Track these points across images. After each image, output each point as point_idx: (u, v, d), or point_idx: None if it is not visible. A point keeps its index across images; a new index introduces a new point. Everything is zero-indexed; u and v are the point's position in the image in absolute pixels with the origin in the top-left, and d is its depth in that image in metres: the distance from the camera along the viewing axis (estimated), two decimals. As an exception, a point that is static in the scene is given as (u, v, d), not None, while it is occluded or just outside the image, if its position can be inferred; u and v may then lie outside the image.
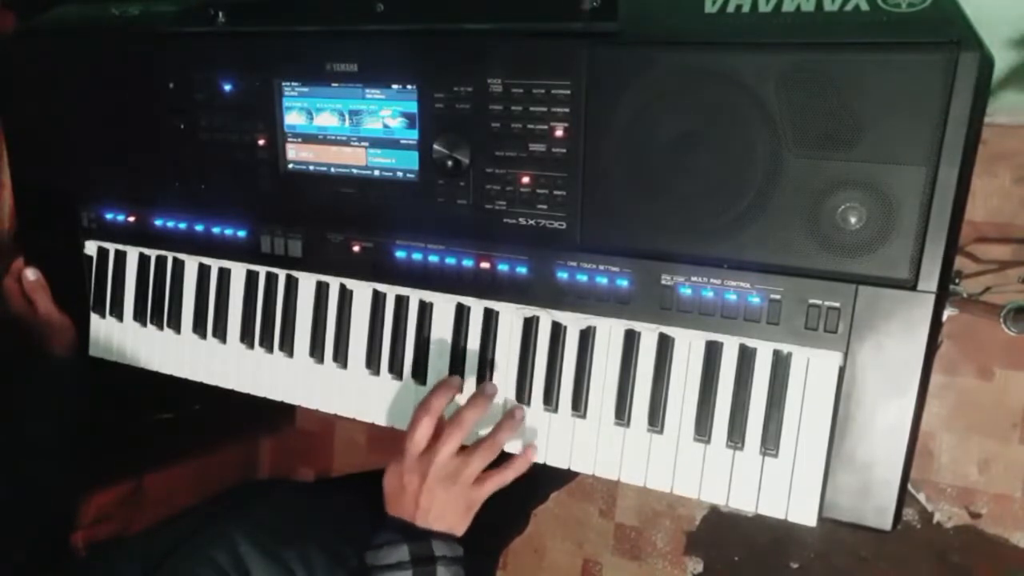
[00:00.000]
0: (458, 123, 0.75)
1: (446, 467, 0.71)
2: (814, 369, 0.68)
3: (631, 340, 0.74)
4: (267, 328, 0.91)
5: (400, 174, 0.80)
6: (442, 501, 0.71)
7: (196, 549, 0.72)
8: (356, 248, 0.84)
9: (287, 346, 0.90)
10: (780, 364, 0.69)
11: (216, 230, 0.91)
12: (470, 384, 0.81)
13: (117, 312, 1.00)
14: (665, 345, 0.73)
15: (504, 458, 0.76)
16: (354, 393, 0.87)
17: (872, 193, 0.63)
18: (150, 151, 0.91)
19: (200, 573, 0.69)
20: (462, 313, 0.81)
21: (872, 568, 1.63)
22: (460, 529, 0.73)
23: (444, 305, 0.82)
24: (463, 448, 0.74)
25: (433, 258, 0.80)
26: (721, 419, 0.72)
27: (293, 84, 0.82)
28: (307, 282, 0.88)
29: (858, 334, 0.66)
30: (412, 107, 0.77)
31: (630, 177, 0.70)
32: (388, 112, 0.79)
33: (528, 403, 0.79)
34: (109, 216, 0.97)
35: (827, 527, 0.69)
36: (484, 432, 0.76)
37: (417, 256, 0.81)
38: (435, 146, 0.76)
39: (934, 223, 0.62)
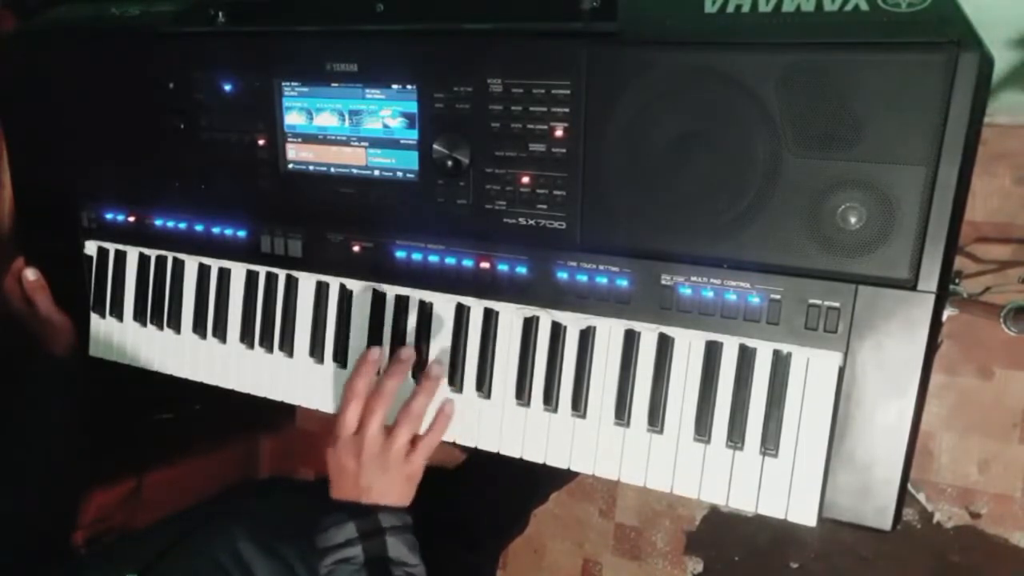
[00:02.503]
0: (458, 123, 0.75)
1: (375, 443, 0.72)
2: (814, 369, 0.68)
3: (631, 340, 0.74)
4: (267, 328, 0.91)
5: (400, 174, 0.80)
6: (380, 478, 0.72)
7: (195, 545, 0.72)
8: (356, 248, 0.84)
9: (287, 346, 0.90)
10: (780, 364, 0.69)
11: (216, 230, 0.91)
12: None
13: (117, 312, 1.00)
14: (665, 345, 0.73)
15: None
16: (354, 393, 0.87)
17: (872, 193, 0.63)
18: (150, 151, 0.91)
19: (200, 568, 0.69)
20: (462, 313, 0.81)
21: (872, 568, 1.63)
22: (406, 501, 0.74)
23: (444, 305, 0.82)
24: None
25: (433, 258, 0.80)
26: (721, 419, 0.72)
27: (293, 84, 0.82)
28: (307, 282, 0.88)
29: (858, 334, 0.66)
30: (412, 107, 0.77)
31: (630, 177, 0.70)
32: (388, 112, 0.79)
33: (528, 403, 0.79)
34: (109, 216, 0.97)
35: (827, 527, 0.69)
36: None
37: (417, 256, 0.81)
38: (435, 146, 0.76)
39: (934, 223, 0.62)
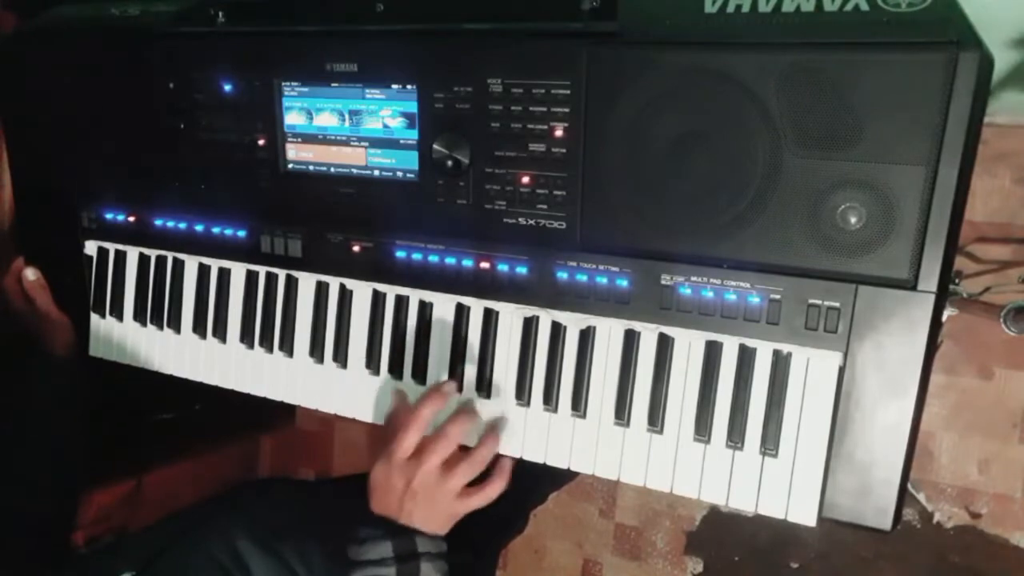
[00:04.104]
0: (458, 123, 0.75)
1: (430, 477, 0.72)
2: (814, 369, 0.68)
3: (631, 340, 0.74)
4: (267, 328, 0.91)
5: (400, 174, 0.80)
6: (424, 508, 0.72)
7: (194, 545, 0.72)
8: (356, 248, 0.84)
9: (287, 346, 0.90)
10: (780, 364, 0.69)
11: (216, 230, 0.91)
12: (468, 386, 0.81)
13: (117, 312, 1.00)
14: (665, 345, 0.73)
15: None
16: (354, 393, 0.87)
17: (872, 193, 0.63)
18: (150, 151, 0.91)
19: (198, 568, 0.69)
20: (462, 313, 0.81)
21: (872, 568, 1.63)
22: (442, 532, 0.74)
23: (444, 305, 0.82)
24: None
25: (433, 258, 0.80)
26: (721, 419, 0.72)
27: (293, 84, 0.82)
28: (307, 282, 0.88)
29: (858, 334, 0.66)
30: (412, 107, 0.77)
31: (630, 177, 0.70)
32: (388, 112, 0.79)
33: (528, 403, 0.79)
34: (109, 216, 0.97)
35: (827, 527, 0.69)
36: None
37: (417, 256, 0.81)
38: (435, 146, 0.76)
39: (934, 223, 0.62)
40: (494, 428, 0.78)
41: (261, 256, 0.89)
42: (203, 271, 0.94)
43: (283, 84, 0.82)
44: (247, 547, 0.72)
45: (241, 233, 0.90)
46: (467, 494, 0.74)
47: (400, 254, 0.82)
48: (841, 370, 0.67)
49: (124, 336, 1.00)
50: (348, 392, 0.88)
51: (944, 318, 0.69)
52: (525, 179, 0.74)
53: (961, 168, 0.60)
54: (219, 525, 0.74)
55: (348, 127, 0.81)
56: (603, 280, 0.74)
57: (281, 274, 0.90)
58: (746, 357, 0.70)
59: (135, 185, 0.94)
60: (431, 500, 0.72)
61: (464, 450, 0.77)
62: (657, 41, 0.67)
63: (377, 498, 0.74)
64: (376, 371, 0.86)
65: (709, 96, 0.66)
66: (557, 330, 0.77)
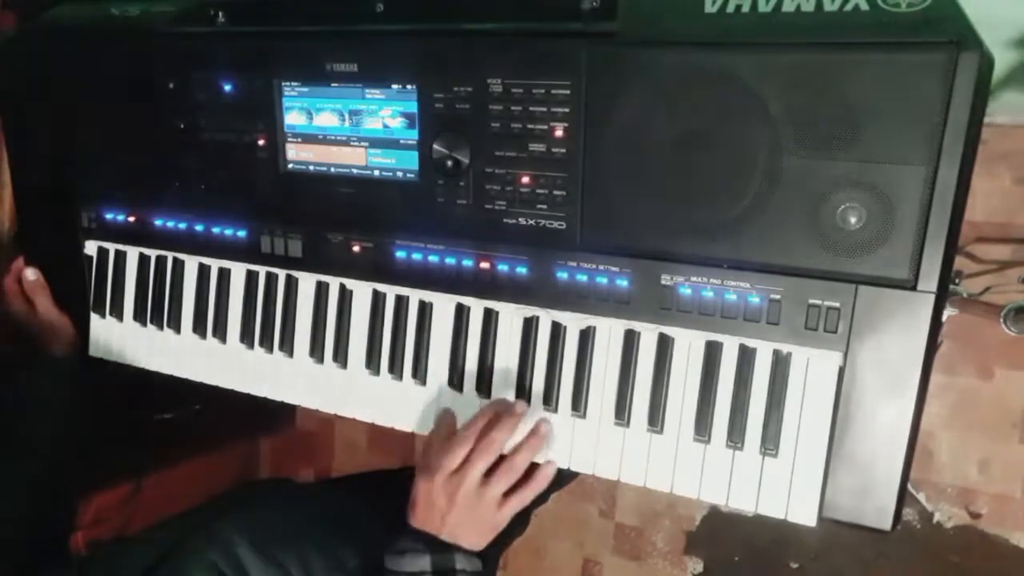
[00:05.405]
0: (458, 123, 0.75)
1: (472, 487, 0.72)
2: (814, 369, 0.68)
3: (631, 340, 0.74)
4: (267, 328, 0.91)
5: (400, 174, 0.80)
6: (467, 521, 0.72)
7: (194, 549, 0.72)
8: (356, 248, 0.84)
9: (287, 346, 0.90)
10: (780, 364, 0.69)
11: (216, 230, 0.91)
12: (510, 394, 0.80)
13: (117, 312, 1.00)
14: (665, 345, 0.73)
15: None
16: (354, 393, 0.87)
17: (872, 193, 0.63)
18: (150, 151, 0.91)
19: (197, 574, 0.69)
20: (462, 313, 0.81)
21: (872, 568, 1.63)
22: (481, 546, 0.74)
23: (444, 305, 0.82)
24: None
25: (433, 258, 0.80)
26: (721, 419, 0.72)
27: (293, 84, 0.82)
28: (307, 282, 0.88)
29: (858, 334, 0.66)
30: (412, 107, 0.77)
31: (630, 177, 0.70)
32: (388, 112, 0.79)
33: (528, 403, 0.79)
34: (109, 216, 0.97)
35: (827, 527, 0.69)
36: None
37: (417, 256, 0.81)
38: (435, 146, 0.76)
39: (934, 223, 0.62)
40: (534, 433, 0.77)
41: (261, 256, 0.89)
42: (203, 271, 0.94)
43: (283, 84, 0.82)
44: (247, 554, 0.72)
45: (241, 233, 0.90)
46: (506, 500, 0.74)
47: (400, 254, 0.82)
48: (841, 370, 0.67)
49: (124, 336, 1.00)
50: (348, 392, 0.88)
51: (944, 318, 0.69)
52: (525, 179, 0.74)
53: (961, 168, 0.60)
54: (219, 531, 0.74)
55: (348, 127, 0.81)
56: (603, 280, 0.74)
57: (281, 274, 0.90)
58: (746, 357, 0.70)
59: (135, 185, 0.94)
60: (472, 511, 0.72)
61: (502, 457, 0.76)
62: (657, 41, 0.68)
63: (419, 515, 0.73)
64: (376, 371, 0.86)
65: (709, 96, 0.66)
66: (557, 330, 0.77)
